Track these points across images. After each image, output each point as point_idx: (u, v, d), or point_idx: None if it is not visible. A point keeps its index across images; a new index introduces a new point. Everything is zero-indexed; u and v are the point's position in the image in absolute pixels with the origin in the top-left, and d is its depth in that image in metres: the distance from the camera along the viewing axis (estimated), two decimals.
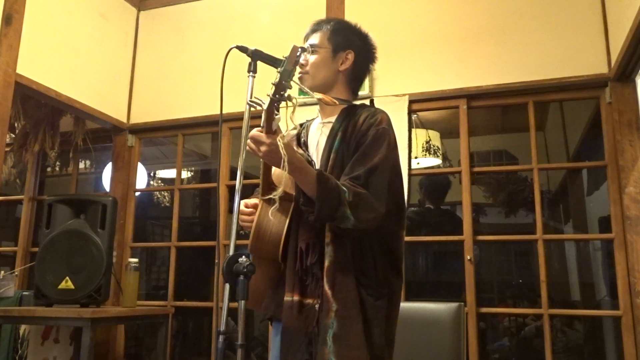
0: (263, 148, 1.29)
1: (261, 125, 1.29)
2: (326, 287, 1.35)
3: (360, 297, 1.37)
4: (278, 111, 1.26)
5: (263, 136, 1.29)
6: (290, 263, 1.43)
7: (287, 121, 1.29)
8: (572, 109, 3.76)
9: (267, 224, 1.43)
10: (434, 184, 3.53)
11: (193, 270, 4.30)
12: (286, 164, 1.26)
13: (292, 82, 1.24)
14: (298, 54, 1.23)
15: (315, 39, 1.59)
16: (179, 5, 3.45)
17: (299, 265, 1.41)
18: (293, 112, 1.28)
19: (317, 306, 1.36)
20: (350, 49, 1.58)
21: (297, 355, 1.35)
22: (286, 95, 1.24)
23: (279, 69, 1.23)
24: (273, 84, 1.23)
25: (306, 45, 1.60)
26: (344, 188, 1.33)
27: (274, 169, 1.48)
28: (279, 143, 1.26)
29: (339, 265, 1.38)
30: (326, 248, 1.39)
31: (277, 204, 1.36)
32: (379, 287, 1.41)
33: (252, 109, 1.34)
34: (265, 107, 1.25)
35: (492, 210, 4.43)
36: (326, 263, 1.37)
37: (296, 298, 1.39)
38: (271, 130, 1.28)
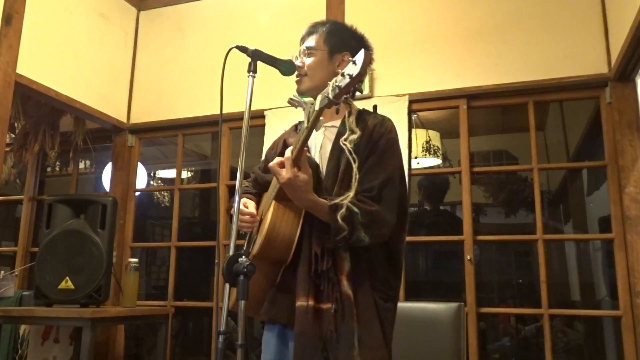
0: (281, 179, 1.36)
1: (307, 126, 1.32)
2: (349, 291, 1.37)
3: (374, 300, 1.40)
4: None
5: (281, 171, 1.35)
6: (303, 267, 1.41)
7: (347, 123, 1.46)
8: (572, 109, 3.76)
9: (281, 226, 1.42)
10: (433, 185, 3.53)
11: (193, 270, 4.30)
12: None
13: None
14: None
15: (311, 41, 1.59)
16: (179, 5, 3.45)
17: (314, 270, 1.39)
18: (352, 114, 1.48)
19: (332, 311, 1.36)
20: (347, 51, 1.57)
21: None
22: (349, 96, 1.30)
23: (350, 72, 1.21)
24: (337, 86, 1.23)
25: (302, 47, 1.60)
26: (356, 209, 1.36)
27: None
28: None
29: (357, 269, 1.40)
30: (344, 253, 1.40)
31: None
32: (385, 289, 1.44)
33: (291, 106, 1.42)
34: (317, 106, 1.28)
35: (492, 210, 4.42)
36: (346, 267, 1.39)
37: (311, 303, 1.37)
38: (315, 126, 1.32)
